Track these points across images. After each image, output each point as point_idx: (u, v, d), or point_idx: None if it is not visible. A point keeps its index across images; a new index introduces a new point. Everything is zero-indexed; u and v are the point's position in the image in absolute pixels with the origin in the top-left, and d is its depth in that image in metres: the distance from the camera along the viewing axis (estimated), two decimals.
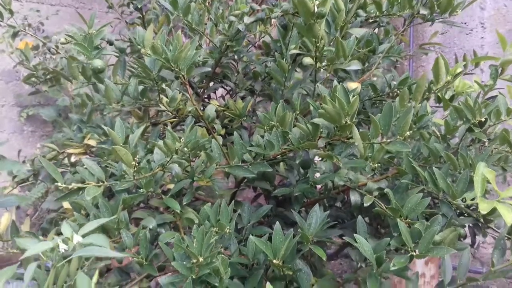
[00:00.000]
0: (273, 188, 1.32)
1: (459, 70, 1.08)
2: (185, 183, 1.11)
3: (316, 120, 0.95)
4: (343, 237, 1.10)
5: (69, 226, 0.63)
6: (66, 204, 1.21)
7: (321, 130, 0.99)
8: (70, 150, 1.21)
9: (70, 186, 0.83)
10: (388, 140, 0.88)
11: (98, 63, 1.00)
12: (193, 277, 0.87)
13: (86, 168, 0.98)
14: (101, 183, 0.87)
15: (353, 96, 0.88)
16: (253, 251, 1.08)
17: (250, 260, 1.07)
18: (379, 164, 1.05)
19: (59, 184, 0.82)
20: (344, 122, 0.87)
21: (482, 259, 2.42)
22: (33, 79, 1.61)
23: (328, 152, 0.95)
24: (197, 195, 1.23)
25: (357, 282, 1.21)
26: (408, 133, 0.85)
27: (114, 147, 0.81)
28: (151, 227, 1.02)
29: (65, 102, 2.58)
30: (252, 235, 1.06)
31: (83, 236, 0.62)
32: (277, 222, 1.00)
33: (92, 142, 1.18)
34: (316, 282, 1.09)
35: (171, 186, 1.14)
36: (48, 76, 1.58)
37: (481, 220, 1.15)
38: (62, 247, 0.61)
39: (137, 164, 0.86)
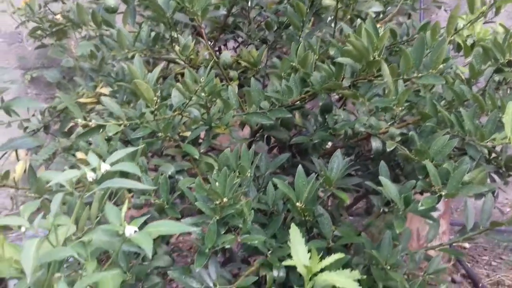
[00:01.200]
0: (288, 139, 1.29)
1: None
2: (202, 130, 1.08)
3: (340, 59, 0.91)
4: (366, 182, 1.08)
5: (95, 155, 0.61)
6: (80, 155, 1.19)
7: (344, 71, 0.96)
8: (82, 100, 1.18)
9: (90, 123, 0.81)
10: (420, 75, 0.84)
11: (110, 1, 0.95)
12: (217, 218, 0.85)
13: (98, 115, 0.95)
14: (121, 122, 0.84)
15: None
16: (273, 198, 1.06)
17: (269, 206, 1.06)
18: (403, 108, 1.02)
19: (79, 120, 0.79)
20: (372, 58, 0.83)
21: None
22: (38, 32, 1.56)
23: (354, 91, 0.92)
24: (213, 145, 1.21)
25: (369, 233, 1.20)
26: (441, 66, 0.81)
27: (135, 81, 0.78)
28: (170, 173, 1.00)
29: (69, 63, 2.52)
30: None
31: (111, 164, 0.60)
32: (300, 166, 0.98)
33: (105, 91, 1.15)
34: (336, 229, 1.07)
35: (187, 134, 1.11)
36: (54, 29, 1.53)
37: (503, 167, 1.13)
38: (90, 175, 0.59)
39: (158, 101, 0.83)
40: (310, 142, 1.18)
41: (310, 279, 0.79)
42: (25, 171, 1.07)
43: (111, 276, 0.55)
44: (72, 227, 0.63)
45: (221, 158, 0.98)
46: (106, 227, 0.58)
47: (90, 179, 0.59)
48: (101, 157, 1.00)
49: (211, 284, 0.90)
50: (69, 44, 2.44)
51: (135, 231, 0.57)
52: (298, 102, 1.12)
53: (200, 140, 1.16)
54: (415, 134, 0.99)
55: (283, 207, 1.09)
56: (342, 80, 0.93)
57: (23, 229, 0.61)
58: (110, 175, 0.62)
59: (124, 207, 0.59)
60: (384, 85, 0.95)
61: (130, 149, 0.63)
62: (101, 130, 0.83)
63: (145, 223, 1.05)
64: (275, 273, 0.98)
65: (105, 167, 0.59)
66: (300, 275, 1.06)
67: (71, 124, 1.48)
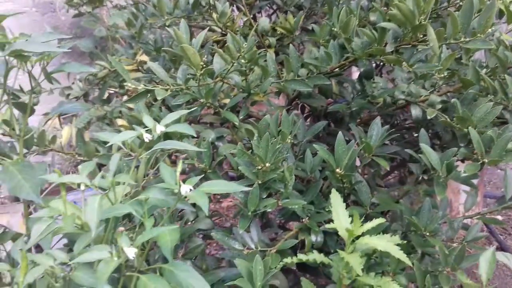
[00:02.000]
0: (325, 107, 1.29)
1: None
2: (241, 97, 1.09)
3: (383, 24, 0.90)
4: (405, 150, 1.08)
5: (150, 117, 0.62)
6: (120, 122, 1.22)
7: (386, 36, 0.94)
8: None
9: (139, 87, 0.83)
10: (468, 39, 0.82)
11: None
12: (259, 182, 0.87)
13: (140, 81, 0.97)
14: (167, 87, 0.86)
15: None
16: (311, 165, 1.07)
17: (307, 173, 1.07)
18: (444, 75, 1.01)
19: (128, 84, 0.81)
20: (418, 22, 0.81)
21: None
22: (75, 0, 1.58)
23: (397, 56, 0.91)
24: (250, 112, 1.22)
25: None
26: (490, 29, 0.79)
27: (182, 46, 0.79)
28: (210, 139, 1.01)
29: (102, 33, 2.55)
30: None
31: (166, 126, 0.61)
32: (340, 133, 0.98)
33: (145, 58, 1.16)
34: (373, 196, 1.08)
35: (226, 101, 1.12)
36: None
37: None
38: (147, 136, 0.61)
39: (204, 66, 0.84)
40: (348, 110, 1.18)
41: (351, 243, 0.81)
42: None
43: (169, 231, 0.57)
44: (127, 187, 0.66)
45: (261, 124, 0.99)
46: (162, 185, 0.60)
47: (146, 140, 0.61)
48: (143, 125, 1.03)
49: (252, 246, 0.93)
50: (101, 14, 2.46)
51: (190, 190, 0.59)
52: (337, 69, 1.11)
53: (237, 109, 1.17)
54: (457, 101, 0.98)
55: (319, 175, 1.10)
56: (385, 46, 0.92)
57: (82, 187, 0.64)
58: (154, 141, 0.64)
59: (179, 168, 0.61)
60: (427, 51, 0.93)
61: (182, 111, 0.65)
62: (148, 95, 0.85)
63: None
64: (313, 237, 1.00)
65: (160, 128, 0.61)
66: (337, 240, 1.08)
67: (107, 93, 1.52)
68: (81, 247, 0.57)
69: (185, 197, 0.60)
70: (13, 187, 0.72)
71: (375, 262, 0.92)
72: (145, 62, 1.19)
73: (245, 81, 1.09)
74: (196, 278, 0.59)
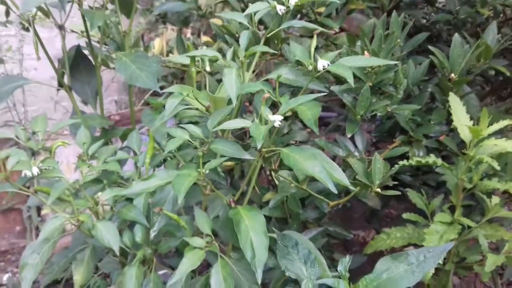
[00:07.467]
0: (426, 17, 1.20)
1: None
2: (337, 5, 1.03)
3: None
4: None
5: None
6: (204, 38, 1.19)
7: None
8: None
9: None
10: None
11: None
12: (370, 84, 0.82)
13: None
14: None
15: None
16: (413, 77, 1.00)
17: (410, 86, 1.01)
18: None
19: None
20: None
21: None
22: None
23: None
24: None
25: None
26: None
27: None
28: None
29: None
30: None
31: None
32: (456, 34, 0.90)
33: None
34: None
35: (321, 10, 1.06)
36: None
37: None
38: (280, 8, 0.57)
39: None
40: (454, 20, 1.09)
41: (476, 145, 0.75)
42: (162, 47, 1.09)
43: (307, 106, 0.54)
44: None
45: (366, 28, 0.93)
46: (294, 60, 0.57)
47: (280, 12, 0.57)
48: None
49: (357, 154, 0.89)
50: None
51: (328, 65, 0.55)
52: None
53: None
54: None
55: (422, 87, 1.04)
56: None
57: (208, 68, 0.62)
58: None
59: (313, 42, 0.57)
60: None
61: None
62: None
63: None
64: (416, 151, 0.95)
65: (293, 0, 0.57)
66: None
67: None
68: (215, 121, 0.55)
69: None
70: (129, 76, 0.71)
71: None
72: None
73: None
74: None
